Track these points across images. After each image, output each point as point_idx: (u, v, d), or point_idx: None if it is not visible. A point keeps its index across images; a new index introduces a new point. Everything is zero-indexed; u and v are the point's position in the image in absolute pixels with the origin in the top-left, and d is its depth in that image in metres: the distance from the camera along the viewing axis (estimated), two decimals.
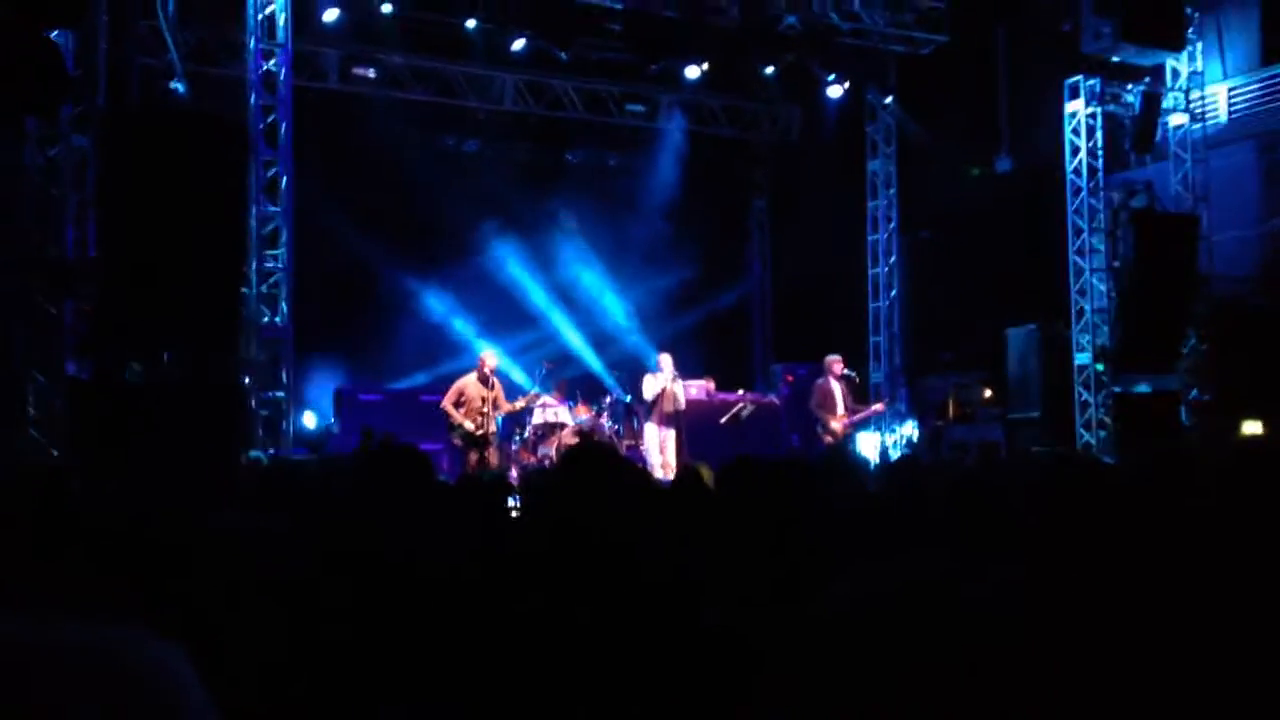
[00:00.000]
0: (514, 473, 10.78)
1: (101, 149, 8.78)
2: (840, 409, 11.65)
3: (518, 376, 12.76)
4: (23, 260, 7.92)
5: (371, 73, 13.38)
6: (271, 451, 9.57)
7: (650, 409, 11.75)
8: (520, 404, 11.24)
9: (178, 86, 10.89)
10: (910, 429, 14.13)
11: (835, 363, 11.89)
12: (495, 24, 12.92)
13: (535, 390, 11.59)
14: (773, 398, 14.01)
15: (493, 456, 10.88)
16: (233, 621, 2.07)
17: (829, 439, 11.54)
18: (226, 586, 2.15)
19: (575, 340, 15.05)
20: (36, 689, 0.68)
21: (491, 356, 10.96)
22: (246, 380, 9.85)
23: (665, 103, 15.05)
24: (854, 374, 12.31)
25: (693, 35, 13.37)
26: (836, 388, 11.72)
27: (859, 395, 12.49)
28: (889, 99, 14.59)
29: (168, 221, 9.20)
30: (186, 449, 7.68)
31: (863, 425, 12.30)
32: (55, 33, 7.84)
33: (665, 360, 11.80)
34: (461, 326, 14.02)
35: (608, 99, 14.91)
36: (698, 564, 2.67)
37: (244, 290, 10.54)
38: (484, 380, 10.78)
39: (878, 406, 12.49)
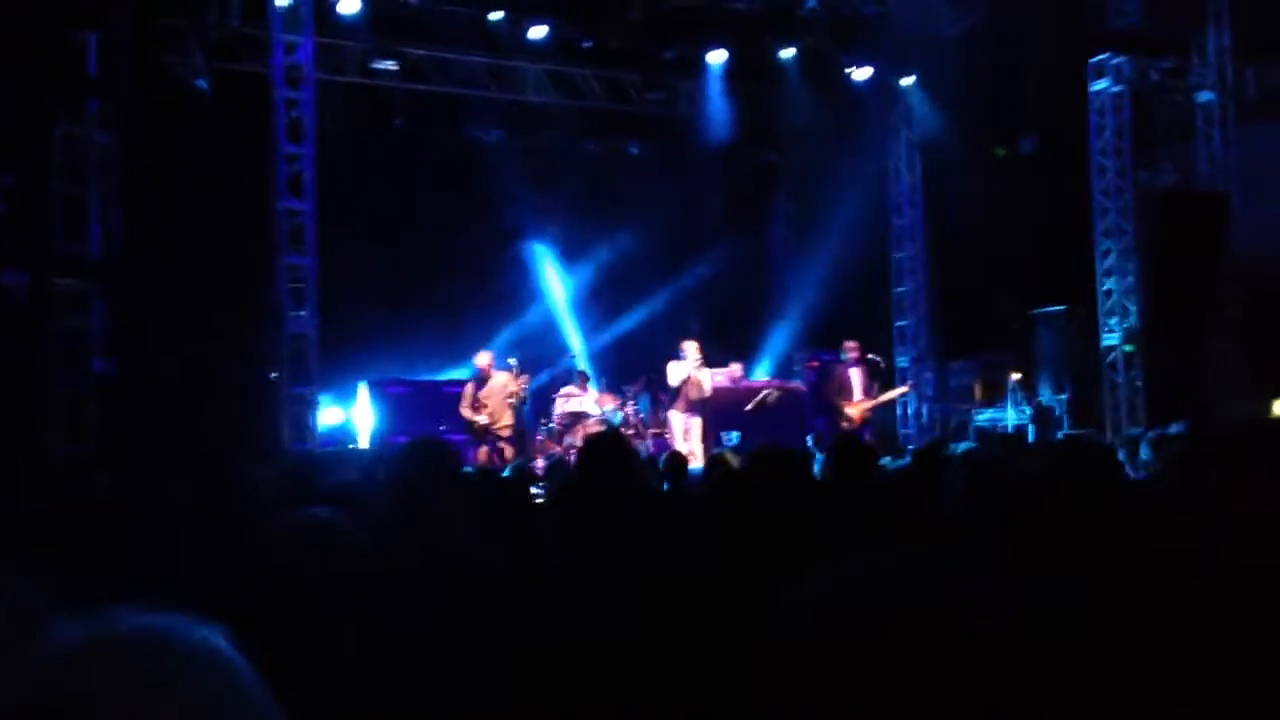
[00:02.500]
0: (539, 463, 10.83)
1: (125, 147, 8.85)
2: (857, 394, 11.69)
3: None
4: (49, 258, 8.01)
5: (393, 65, 13.38)
6: (298, 446, 9.64)
7: (675, 396, 11.75)
8: (516, 388, 11.29)
9: (201, 83, 10.97)
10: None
11: (852, 349, 11.93)
12: (516, 13, 12.92)
13: (525, 375, 11.72)
14: (797, 384, 13.96)
15: (508, 449, 11.02)
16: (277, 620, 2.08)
17: (845, 424, 11.57)
18: (273, 583, 2.15)
19: (596, 329, 15.08)
20: (103, 677, 0.75)
21: (483, 357, 11.23)
22: (274, 376, 9.92)
23: (684, 90, 14.97)
24: (879, 359, 12.29)
25: (712, 20, 13.30)
26: (854, 374, 11.77)
27: (885, 380, 12.46)
28: (910, 81, 14.50)
29: (192, 217, 9.29)
30: (215, 444, 7.76)
31: (883, 410, 12.27)
32: (79, 32, 7.90)
33: (690, 347, 11.77)
34: (486, 318, 14.06)
35: (629, 87, 14.85)
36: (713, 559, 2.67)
37: (270, 285, 10.62)
38: (481, 381, 11.10)
39: (901, 389, 12.42)
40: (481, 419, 11.03)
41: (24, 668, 0.76)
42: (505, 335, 13.38)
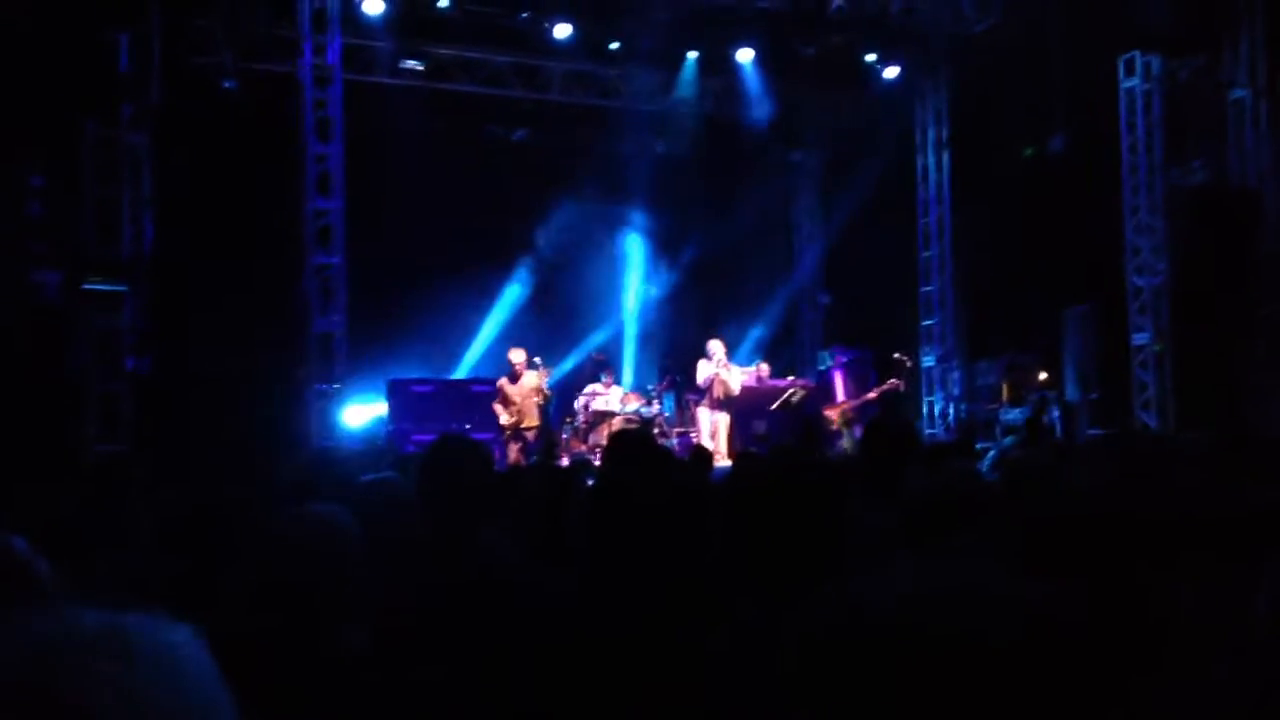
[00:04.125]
0: (565, 461, 10.87)
1: (157, 148, 8.94)
2: (839, 396, 11.98)
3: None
4: (82, 259, 8.10)
5: (419, 65, 13.46)
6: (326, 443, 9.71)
7: (702, 395, 11.78)
8: (540, 383, 11.35)
9: (230, 84, 11.07)
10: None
11: (837, 353, 12.85)
12: (541, 13, 12.95)
13: (545, 368, 11.78)
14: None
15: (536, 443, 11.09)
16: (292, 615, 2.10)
17: (826, 425, 11.92)
18: (286, 579, 2.17)
19: (627, 329, 15.12)
20: (53, 676, 0.74)
21: (517, 354, 11.23)
22: (301, 373, 10.00)
23: (711, 89, 14.95)
24: (906, 358, 12.35)
25: (739, 19, 13.29)
26: (837, 376, 12.42)
27: (911, 379, 12.63)
28: (938, 79, 14.44)
29: (223, 218, 9.38)
30: (246, 440, 7.83)
31: (870, 407, 12.31)
32: (110, 33, 7.99)
33: (716, 346, 11.79)
34: (511, 315, 14.13)
35: (655, 87, 14.85)
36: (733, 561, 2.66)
37: (298, 284, 10.71)
38: (514, 378, 11.07)
39: (885, 386, 12.36)
40: (508, 418, 11.08)
41: None
42: (531, 333, 13.41)
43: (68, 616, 0.79)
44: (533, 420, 11.22)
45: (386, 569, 2.53)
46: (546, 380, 11.44)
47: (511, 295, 14.42)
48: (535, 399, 11.20)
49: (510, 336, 13.19)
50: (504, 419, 11.12)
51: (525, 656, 2.38)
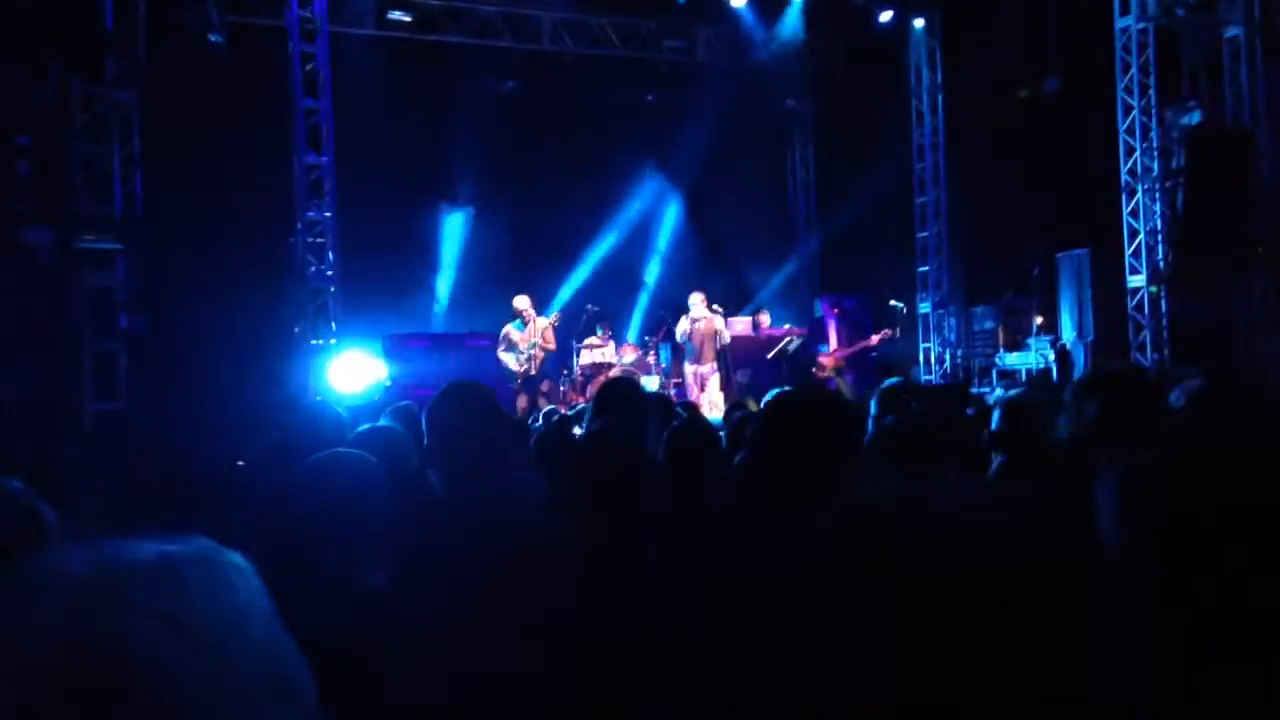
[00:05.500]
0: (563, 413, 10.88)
1: (144, 104, 8.85)
2: (833, 344, 12.27)
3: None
4: (72, 217, 8.04)
5: (407, 16, 13.29)
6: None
7: (689, 348, 11.72)
8: (544, 328, 11.34)
9: (217, 39, 10.93)
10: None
11: (827, 302, 12.99)
12: None
13: (552, 315, 11.78)
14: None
15: (543, 398, 11.09)
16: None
17: (818, 373, 12.07)
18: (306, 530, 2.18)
19: (619, 280, 15.07)
20: (97, 624, 0.72)
21: (522, 300, 11.24)
22: (296, 329, 9.98)
23: (703, 37, 14.80)
24: (902, 305, 12.37)
25: None
26: (831, 324, 12.54)
27: (906, 327, 12.71)
28: (933, 22, 14.29)
29: (213, 174, 9.31)
30: (241, 396, 7.83)
31: (861, 356, 12.39)
32: None
33: (696, 299, 11.70)
34: (503, 268, 14.07)
35: (646, 35, 14.70)
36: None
37: (290, 239, 10.66)
38: (522, 324, 11.08)
39: (874, 338, 12.39)
40: (518, 366, 11.10)
41: (39, 593, 0.73)
42: (528, 286, 13.40)
43: (113, 551, 0.76)
44: (538, 368, 11.26)
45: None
46: (554, 327, 11.48)
47: (501, 245, 14.33)
48: (542, 345, 11.21)
49: (504, 287, 13.16)
50: (514, 366, 11.13)
51: (538, 597, 2.39)
